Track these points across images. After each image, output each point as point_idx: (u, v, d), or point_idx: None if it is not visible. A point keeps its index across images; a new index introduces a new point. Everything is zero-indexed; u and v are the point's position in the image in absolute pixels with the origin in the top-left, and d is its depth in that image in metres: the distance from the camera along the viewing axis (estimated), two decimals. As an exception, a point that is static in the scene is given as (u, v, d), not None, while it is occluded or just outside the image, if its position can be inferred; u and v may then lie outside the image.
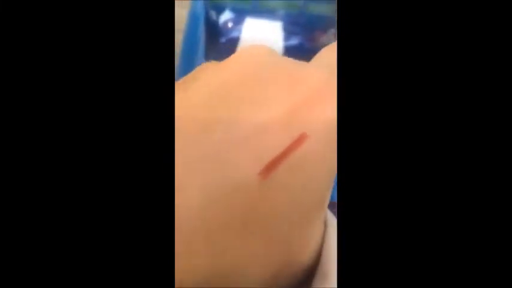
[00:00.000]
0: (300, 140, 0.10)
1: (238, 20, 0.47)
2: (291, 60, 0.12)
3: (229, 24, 0.48)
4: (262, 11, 0.47)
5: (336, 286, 0.11)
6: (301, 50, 0.48)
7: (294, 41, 0.49)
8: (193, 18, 0.44)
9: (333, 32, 0.48)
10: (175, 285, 0.09)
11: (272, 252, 0.10)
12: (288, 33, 0.48)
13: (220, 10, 0.47)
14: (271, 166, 0.10)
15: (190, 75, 0.12)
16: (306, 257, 0.11)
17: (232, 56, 0.12)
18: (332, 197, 0.14)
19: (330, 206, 0.12)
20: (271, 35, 0.48)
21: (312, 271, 0.11)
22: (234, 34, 0.48)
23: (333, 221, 0.12)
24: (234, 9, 0.47)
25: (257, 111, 0.10)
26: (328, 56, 0.13)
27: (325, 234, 0.12)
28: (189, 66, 0.47)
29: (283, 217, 0.10)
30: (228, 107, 0.10)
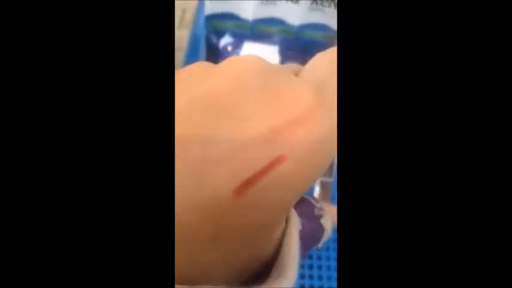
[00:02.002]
0: (277, 160, 0.10)
1: (237, 44, 0.50)
2: (280, 69, 0.12)
3: (229, 48, 0.50)
4: (260, 36, 0.49)
5: (294, 277, 0.11)
6: (296, 73, 0.49)
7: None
8: (194, 38, 0.46)
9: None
10: None
11: (239, 256, 0.11)
12: (284, 57, 0.50)
13: (220, 34, 0.49)
14: (246, 184, 0.10)
15: (183, 71, 0.12)
16: (266, 253, 0.12)
17: (222, 63, 0.12)
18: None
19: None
20: (268, 58, 0.51)
21: (270, 264, 0.12)
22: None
23: (293, 217, 0.12)
24: (233, 34, 0.49)
25: (237, 128, 0.10)
26: (321, 64, 0.12)
27: (286, 229, 0.12)
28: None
29: (252, 230, 0.11)
30: (208, 121, 0.10)
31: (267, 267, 0.12)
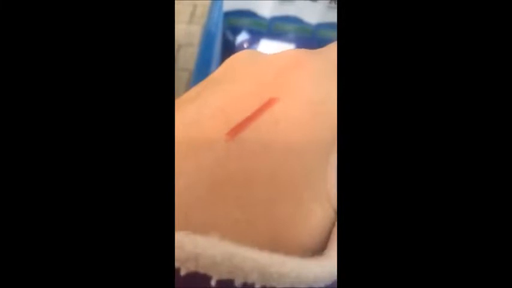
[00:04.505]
0: (268, 102, 0.10)
1: (253, 41, 0.50)
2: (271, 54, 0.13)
3: (245, 45, 0.50)
4: (277, 34, 0.49)
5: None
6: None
7: (305, 63, 0.51)
8: (207, 35, 0.46)
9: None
10: None
11: (249, 220, 0.09)
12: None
13: (237, 31, 0.50)
14: (239, 127, 0.10)
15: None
16: (298, 238, 0.10)
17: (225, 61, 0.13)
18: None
19: None
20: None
21: (315, 256, 0.10)
22: (248, 54, 0.50)
23: None
24: (250, 31, 0.49)
25: (228, 88, 0.11)
26: (329, 49, 0.12)
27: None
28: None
29: (259, 183, 0.09)
30: (201, 90, 0.11)
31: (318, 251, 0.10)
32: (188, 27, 0.65)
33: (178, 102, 0.11)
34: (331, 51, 0.12)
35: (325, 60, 0.11)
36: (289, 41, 0.50)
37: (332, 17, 0.48)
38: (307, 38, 0.50)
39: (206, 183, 0.09)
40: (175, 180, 0.09)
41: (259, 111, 0.10)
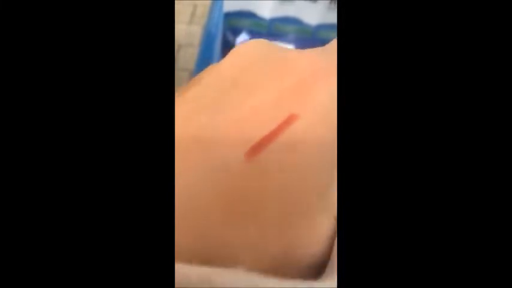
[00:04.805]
0: (288, 120, 0.10)
1: (253, 42, 0.50)
2: (289, 49, 0.12)
3: (245, 46, 0.50)
4: (277, 35, 0.50)
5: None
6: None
7: (305, 64, 0.51)
8: (208, 36, 0.46)
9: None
10: None
11: (263, 239, 0.09)
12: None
13: (237, 32, 0.50)
14: (258, 147, 0.09)
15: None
16: (309, 249, 0.10)
17: (231, 51, 0.12)
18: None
19: None
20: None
21: (320, 266, 0.10)
22: (248, 55, 0.50)
23: None
24: (250, 32, 0.50)
25: (244, 96, 0.10)
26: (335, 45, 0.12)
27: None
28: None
29: (274, 201, 0.09)
30: (214, 93, 0.10)
31: (315, 272, 0.10)
32: (188, 27, 0.65)
33: (181, 100, 0.10)
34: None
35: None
36: (289, 41, 0.50)
37: (332, 17, 0.48)
38: (307, 38, 0.50)
39: (221, 205, 0.09)
40: (187, 201, 0.09)
41: (279, 129, 0.09)
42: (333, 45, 0.12)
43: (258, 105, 0.10)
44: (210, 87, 0.11)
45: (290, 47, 0.50)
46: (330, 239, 0.11)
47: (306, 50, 0.12)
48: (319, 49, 0.12)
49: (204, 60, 0.46)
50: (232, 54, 0.11)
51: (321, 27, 0.49)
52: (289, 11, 0.47)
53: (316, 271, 0.10)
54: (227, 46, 0.50)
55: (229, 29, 0.50)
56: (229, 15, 0.48)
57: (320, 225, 0.10)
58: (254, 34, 0.50)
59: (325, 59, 0.11)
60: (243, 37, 0.50)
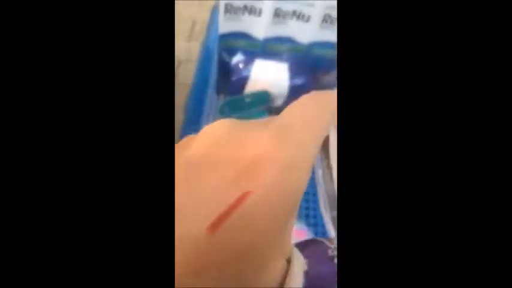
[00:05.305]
0: (243, 197, 0.11)
1: (248, 61, 0.51)
2: (246, 125, 0.13)
3: (240, 65, 0.52)
4: (271, 54, 0.51)
5: None
6: (305, 89, 0.51)
7: (299, 81, 0.52)
8: (206, 51, 0.48)
9: (334, 73, 0.52)
10: None
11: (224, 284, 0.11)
12: (294, 73, 0.52)
13: (232, 52, 0.51)
14: (218, 221, 0.11)
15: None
16: None
17: (202, 130, 0.14)
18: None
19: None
20: (277, 75, 0.52)
21: None
22: (244, 73, 0.52)
23: (296, 257, 0.13)
24: (245, 52, 0.51)
25: (209, 175, 0.12)
26: (290, 113, 0.14)
27: (289, 270, 0.12)
28: (201, 96, 0.50)
29: (234, 267, 0.11)
30: (186, 174, 0.12)
31: None
32: (187, 44, 0.67)
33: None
34: (286, 117, 0.14)
35: (292, 143, 0.12)
36: (282, 60, 0.52)
37: (324, 36, 0.49)
38: (300, 56, 0.51)
39: (188, 271, 0.11)
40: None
41: (235, 205, 0.11)
42: (284, 115, 0.13)
43: (220, 183, 0.11)
44: (181, 164, 0.12)
45: (284, 65, 0.52)
46: (282, 277, 0.12)
47: (260, 123, 0.13)
48: (275, 122, 0.13)
49: (202, 74, 0.48)
50: (202, 133, 0.13)
51: (314, 45, 0.50)
52: (282, 31, 0.49)
53: None
54: (223, 66, 0.52)
55: (225, 49, 0.51)
56: (224, 37, 0.49)
57: (273, 270, 0.12)
58: (249, 54, 0.51)
59: (276, 131, 0.13)
60: (238, 57, 0.52)
